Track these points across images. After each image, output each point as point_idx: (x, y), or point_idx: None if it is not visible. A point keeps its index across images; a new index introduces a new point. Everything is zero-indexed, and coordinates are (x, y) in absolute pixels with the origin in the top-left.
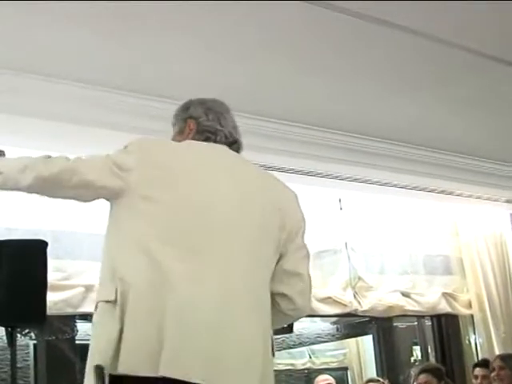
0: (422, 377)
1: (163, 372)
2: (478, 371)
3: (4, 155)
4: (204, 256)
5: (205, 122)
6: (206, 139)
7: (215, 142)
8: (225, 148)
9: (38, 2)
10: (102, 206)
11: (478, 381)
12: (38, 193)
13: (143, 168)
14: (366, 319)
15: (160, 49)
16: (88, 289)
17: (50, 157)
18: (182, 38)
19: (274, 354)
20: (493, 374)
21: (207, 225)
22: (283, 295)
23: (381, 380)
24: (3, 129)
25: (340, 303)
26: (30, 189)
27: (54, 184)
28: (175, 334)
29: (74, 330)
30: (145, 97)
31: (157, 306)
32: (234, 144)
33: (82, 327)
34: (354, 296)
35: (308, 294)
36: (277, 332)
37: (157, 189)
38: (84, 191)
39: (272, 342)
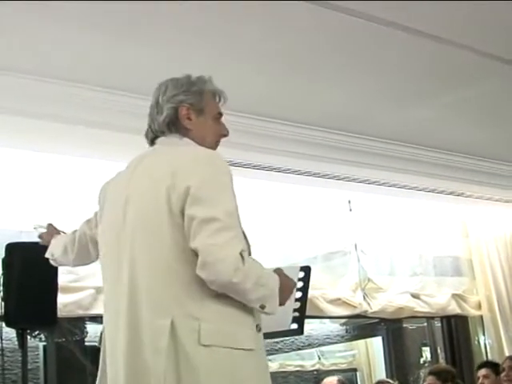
0: (429, 379)
1: None
2: (480, 372)
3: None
4: (107, 281)
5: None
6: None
7: (153, 139)
8: (144, 152)
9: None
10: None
11: (480, 381)
12: None
13: None
14: (376, 321)
15: (153, 48)
16: (98, 291)
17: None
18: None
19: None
20: (503, 375)
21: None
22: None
23: (391, 382)
24: None
25: (349, 305)
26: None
27: None
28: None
29: (83, 331)
30: (137, 96)
31: None
32: (157, 131)
33: (91, 329)
34: (364, 297)
35: (209, 266)
36: (286, 333)
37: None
38: None
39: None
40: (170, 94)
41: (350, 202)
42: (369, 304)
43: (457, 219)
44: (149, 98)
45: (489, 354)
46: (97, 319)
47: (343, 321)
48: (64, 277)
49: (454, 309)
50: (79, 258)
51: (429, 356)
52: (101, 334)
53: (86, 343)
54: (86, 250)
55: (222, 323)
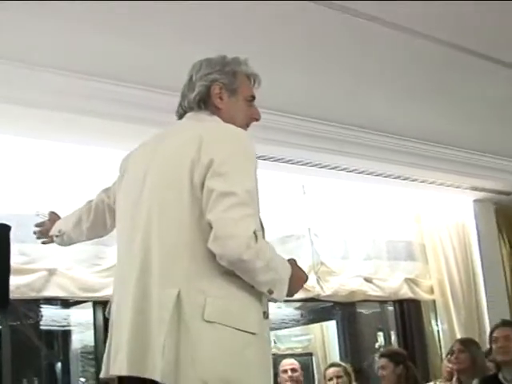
0: (380, 361)
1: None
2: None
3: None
4: (120, 251)
5: None
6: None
7: (183, 115)
8: (171, 126)
9: None
10: (66, 191)
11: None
12: None
13: None
14: (330, 304)
15: (156, 38)
16: (51, 273)
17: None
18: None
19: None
20: (452, 357)
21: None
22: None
23: (342, 364)
24: None
25: (303, 288)
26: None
27: None
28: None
29: (38, 315)
30: (135, 86)
31: None
32: (187, 107)
33: (46, 312)
34: (317, 281)
35: (221, 239)
36: None
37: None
38: None
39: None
40: (203, 73)
41: (303, 186)
42: (322, 287)
43: (410, 204)
44: (148, 88)
45: (441, 338)
46: (52, 302)
47: (298, 305)
48: (16, 258)
49: (406, 293)
50: (94, 227)
51: (383, 341)
52: (109, 305)
53: (41, 327)
54: (102, 219)
55: (229, 302)
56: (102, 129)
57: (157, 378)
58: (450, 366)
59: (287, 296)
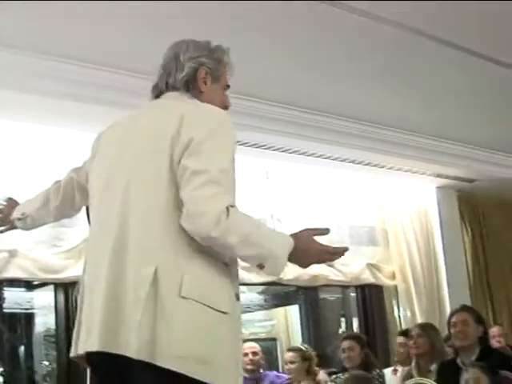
0: (346, 343)
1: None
2: (398, 339)
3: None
4: (94, 228)
5: None
6: (156, 95)
7: (161, 92)
8: (149, 103)
9: None
10: (30, 173)
11: (399, 348)
12: None
13: None
14: (293, 289)
15: (122, 21)
16: (12, 254)
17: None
18: None
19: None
20: (411, 342)
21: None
22: None
23: (302, 348)
24: None
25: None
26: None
27: None
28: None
29: (1, 297)
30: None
31: None
32: (170, 86)
33: (9, 295)
34: None
35: (191, 217)
36: None
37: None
38: None
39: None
40: (193, 54)
41: (267, 171)
42: (284, 271)
43: (373, 190)
44: (115, 70)
45: (402, 324)
46: (15, 285)
47: (262, 289)
48: None
49: (368, 278)
50: (63, 206)
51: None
52: (79, 284)
53: (4, 310)
54: (71, 198)
55: (205, 281)
56: (67, 110)
57: (132, 355)
58: (402, 350)
59: (302, 268)
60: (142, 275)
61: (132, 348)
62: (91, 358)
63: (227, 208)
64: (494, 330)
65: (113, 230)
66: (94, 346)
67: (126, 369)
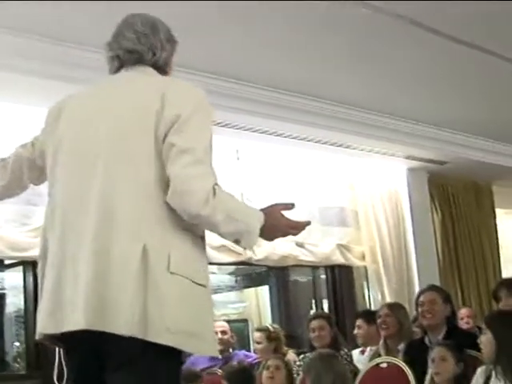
0: (316, 322)
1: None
2: (358, 321)
3: None
4: (64, 210)
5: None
6: (117, 69)
7: (121, 66)
8: (118, 75)
9: None
10: None
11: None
12: None
13: None
14: (264, 270)
15: None
16: None
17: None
18: None
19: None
20: (379, 321)
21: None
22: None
23: (270, 329)
24: None
25: (234, 252)
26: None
27: None
28: None
29: None
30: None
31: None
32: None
33: None
34: None
35: (179, 195)
36: None
37: None
38: None
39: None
40: (167, 36)
41: (237, 150)
42: (253, 251)
43: (344, 171)
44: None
45: (372, 304)
46: None
47: (233, 270)
48: None
49: (338, 259)
50: (10, 185)
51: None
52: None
53: None
54: (19, 176)
55: (188, 255)
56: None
57: (123, 332)
58: (361, 331)
59: (267, 241)
60: (131, 251)
61: (123, 325)
62: (67, 338)
63: (213, 187)
64: (462, 312)
65: (94, 205)
66: (78, 325)
67: (109, 346)
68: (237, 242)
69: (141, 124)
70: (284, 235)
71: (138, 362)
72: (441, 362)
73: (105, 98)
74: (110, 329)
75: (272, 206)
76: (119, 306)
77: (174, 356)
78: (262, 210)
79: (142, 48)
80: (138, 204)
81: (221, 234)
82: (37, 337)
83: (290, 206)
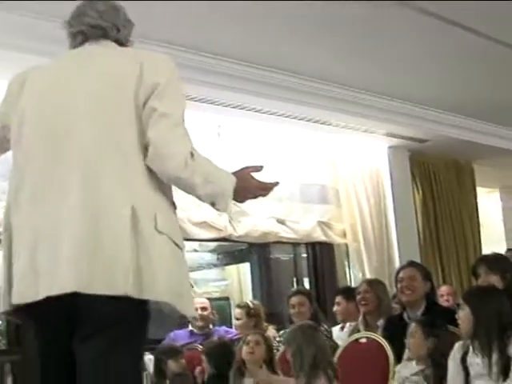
0: (296, 298)
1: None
2: (337, 298)
3: None
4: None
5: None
6: (81, 42)
7: (84, 41)
8: (82, 48)
9: None
10: None
11: (336, 307)
12: None
13: None
14: (245, 247)
15: None
16: None
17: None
18: None
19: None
20: (358, 297)
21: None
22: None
23: (250, 305)
24: None
25: (215, 228)
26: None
27: None
28: None
29: None
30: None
31: None
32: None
33: None
34: (229, 221)
35: (160, 158)
36: None
37: None
38: None
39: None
40: (126, 17)
41: (219, 126)
42: (234, 228)
43: (326, 149)
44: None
45: (353, 282)
46: None
47: (214, 247)
48: None
49: (319, 236)
50: None
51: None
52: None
53: None
54: None
55: (168, 216)
56: None
57: (120, 293)
58: (340, 308)
59: (239, 202)
60: (120, 213)
61: (118, 285)
62: (33, 308)
63: (191, 150)
64: (443, 289)
65: (76, 171)
66: (64, 289)
67: (85, 312)
68: (213, 204)
69: (120, 90)
70: (254, 197)
71: (117, 327)
72: (411, 338)
73: (77, 68)
74: (102, 290)
75: (242, 169)
76: (113, 268)
77: (145, 325)
78: (233, 173)
79: (106, 24)
80: (124, 167)
81: (198, 196)
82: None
83: (259, 168)
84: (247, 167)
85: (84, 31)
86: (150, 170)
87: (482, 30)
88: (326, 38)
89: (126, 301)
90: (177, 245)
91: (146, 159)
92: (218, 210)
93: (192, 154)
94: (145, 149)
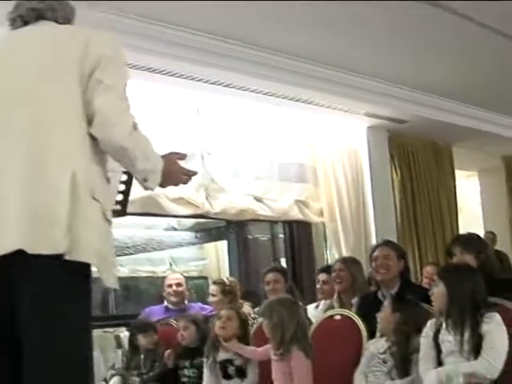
0: (271, 275)
1: None
2: (321, 276)
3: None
4: None
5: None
6: (20, 26)
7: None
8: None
9: None
10: None
11: (320, 285)
12: None
13: None
14: (223, 225)
15: None
16: None
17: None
18: None
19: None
20: (333, 275)
21: None
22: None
23: (226, 282)
24: None
25: (192, 204)
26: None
27: None
28: None
29: None
30: None
31: None
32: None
33: None
34: (206, 198)
35: (106, 126)
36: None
37: None
38: None
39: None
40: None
41: (198, 104)
42: (211, 204)
43: (304, 127)
44: None
45: (329, 261)
46: None
47: (192, 225)
48: None
49: (296, 214)
50: None
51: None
52: None
53: None
54: None
55: (105, 188)
56: None
57: (58, 251)
58: (325, 287)
59: (160, 187)
60: (61, 177)
61: (58, 246)
62: None
63: (134, 122)
64: (428, 270)
65: (24, 134)
66: (9, 248)
67: (23, 271)
68: (145, 180)
69: (65, 62)
70: (176, 183)
71: (58, 286)
72: (381, 312)
73: (20, 43)
74: (40, 250)
75: (169, 154)
76: (56, 228)
77: (87, 287)
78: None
79: (43, 6)
80: (67, 135)
81: (135, 170)
82: None
83: (183, 157)
84: (173, 153)
85: (23, 15)
86: (91, 141)
87: (464, 11)
88: (307, 16)
89: (63, 260)
90: (107, 219)
91: (90, 128)
92: (146, 187)
93: (135, 126)
94: (88, 119)
